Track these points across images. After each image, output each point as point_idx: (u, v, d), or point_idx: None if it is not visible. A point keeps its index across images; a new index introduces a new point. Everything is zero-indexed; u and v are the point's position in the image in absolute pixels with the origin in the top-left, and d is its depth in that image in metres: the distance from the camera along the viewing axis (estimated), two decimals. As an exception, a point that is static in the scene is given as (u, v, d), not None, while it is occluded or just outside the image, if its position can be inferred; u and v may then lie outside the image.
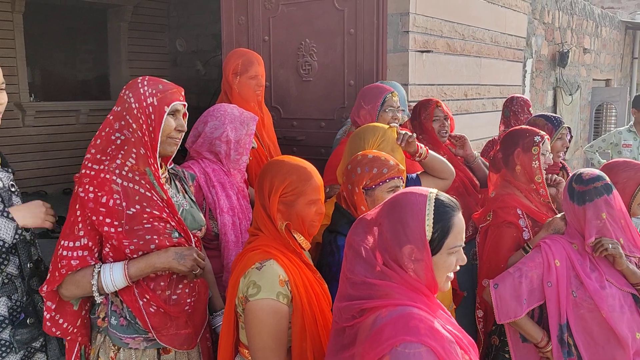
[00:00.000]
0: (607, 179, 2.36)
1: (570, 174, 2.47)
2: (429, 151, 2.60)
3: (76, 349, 2.06)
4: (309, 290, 1.83)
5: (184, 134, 2.11)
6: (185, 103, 2.09)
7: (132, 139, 1.98)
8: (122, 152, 1.97)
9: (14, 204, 2.04)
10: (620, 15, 10.91)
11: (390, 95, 2.94)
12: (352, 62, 3.79)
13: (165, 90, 2.02)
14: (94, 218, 1.90)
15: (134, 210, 1.94)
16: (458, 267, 1.50)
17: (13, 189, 2.09)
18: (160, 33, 9.17)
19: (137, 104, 1.98)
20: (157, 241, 1.96)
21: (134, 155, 1.98)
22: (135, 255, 1.95)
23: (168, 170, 2.17)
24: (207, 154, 2.59)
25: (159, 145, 2.01)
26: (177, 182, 2.21)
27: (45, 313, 1.98)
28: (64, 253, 1.91)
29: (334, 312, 1.55)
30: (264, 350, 1.75)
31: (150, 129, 1.98)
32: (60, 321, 1.99)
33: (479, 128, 4.86)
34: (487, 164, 3.37)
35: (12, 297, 2.04)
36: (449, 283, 1.53)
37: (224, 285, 2.45)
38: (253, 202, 2.22)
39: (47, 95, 8.82)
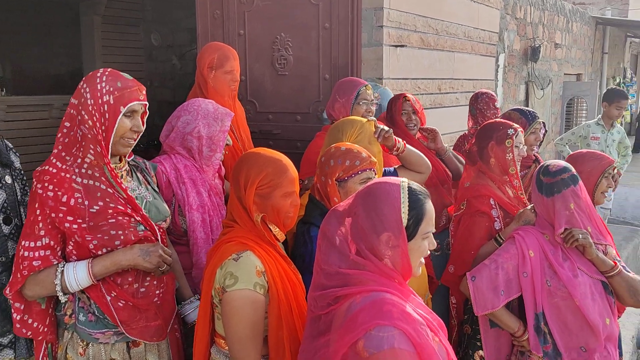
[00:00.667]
0: (573, 170, 2.42)
1: None
2: (407, 145, 2.63)
3: (44, 347, 2.04)
4: (285, 281, 1.86)
5: (140, 134, 2.03)
6: (146, 102, 2.02)
7: (89, 136, 1.92)
8: (80, 147, 1.93)
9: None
10: (591, 10, 11.12)
11: (364, 88, 2.98)
12: (327, 56, 3.81)
13: (123, 89, 1.94)
14: (53, 215, 1.87)
15: (97, 207, 1.91)
16: (428, 252, 1.56)
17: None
18: (135, 27, 9.06)
19: (92, 100, 1.91)
20: (122, 237, 1.94)
21: (92, 151, 1.93)
22: (99, 252, 1.93)
23: (128, 163, 2.12)
24: (179, 149, 2.55)
25: (110, 146, 1.95)
26: (138, 174, 2.16)
27: (14, 314, 1.95)
28: (25, 254, 1.88)
29: (308, 301, 1.59)
30: (241, 339, 1.78)
31: (104, 127, 1.92)
32: (30, 321, 1.97)
33: (452, 121, 4.94)
34: (459, 157, 3.43)
35: None
36: (421, 268, 1.58)
37: (194, 281, 2.46)
38: (227, 197, 2.23)
39: (18, 90, 8.66)
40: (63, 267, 1.90)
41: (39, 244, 1.89)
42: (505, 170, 2.71)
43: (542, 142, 3.35)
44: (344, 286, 1.48)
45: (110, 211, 1.92)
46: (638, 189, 9.56)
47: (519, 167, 2.73)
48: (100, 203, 1.91)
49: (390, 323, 1.38)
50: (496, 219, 2.67)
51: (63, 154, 1.94)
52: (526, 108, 3.39)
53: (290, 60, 3.92)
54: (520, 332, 2.43)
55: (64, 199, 1.87)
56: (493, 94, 3.93)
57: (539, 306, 2.37)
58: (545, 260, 2.39)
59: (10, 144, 2.18)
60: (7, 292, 1.91)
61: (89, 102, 1.91)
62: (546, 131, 3.37)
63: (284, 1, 3.88)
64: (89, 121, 1.91)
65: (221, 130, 2.56)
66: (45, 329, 2.00)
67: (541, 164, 2.54)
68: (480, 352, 2.61)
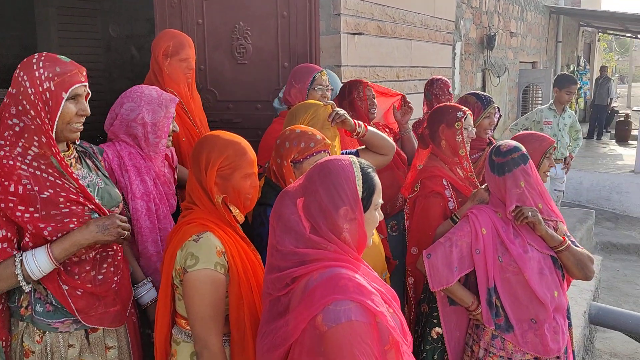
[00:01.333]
0: (523, 149, 2.51)
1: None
2: (369, 128, 2.64)
3: None
4: (245, 261, 1.91)
5: (85, 117, 1.99)
6: (87, 84, 1.96)
7: (33, 127, 1.86)
8: (22, 139, 1.86)
9: None
10: (545, 0, 11.37)
11: (319, 74, 3.04)
12: (286, 44, 3.84)
13: (63, 73, 1.87)
14: (2, 205, 1.83)
15: (48, 194, 1.87)
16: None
17: None
18: (92, 18, 8.87)
19: (32, 89, 1.84)
20: (76, 224, 1.92)
21: (36, 144, 1.87)
22: (54, 238, 1.90)
23: (76, 149, 2.08)
24: (124, 136, 2.48)
25: (54, 133, 1.89)
26: (87, 160, 2.12)
27: None
28: None
29: (264, 284, 1.63)
30: (203, 319, 1.82)
31: (49, 116, 1.86)
32: None
33: (411, 108, 5.02)
34: (416, 139, 3.54)
35: None
36: (377, 244, 1.66)
37: (142, 270, 2.41)
38: (184, 183, 2.21)
39: (-29, 83, 8.44)
40: (21, 256, 1.87)
41: None
42: (455, 151, 2.81)
43: (496, 126, 3.47)
44: (300, 265, 1.53)
45: (61, 199, 1.89)
46: (592, 173, 9.91)
47: (468, 149, 2.83)
48: (51, 190, 1.88)
49: (346, 297, 1.44)
50: (449, 198, 2.77)
51: (2, 143, 1.88)
52: (482, 92, 3.51)
53: (250, 49, 3.94)
54: (474, 306, 2.53)
55: (12, 189, 1.83)
56: (447, 80, 4.03)
57: (491, 281, 2.47)
58: (498, 237, 2.47)
59: None
60: None
61: (29, 91, 1.84)
62: (501, 116, 3.49)
63: (242, -10, 3.89)
64: (32, 111, 1.85)
65: (166, 116, 2.49)
66: (1, 325, 1.97)
67: (493, 144, 2.63)
68: (437, 329, 2.69)
